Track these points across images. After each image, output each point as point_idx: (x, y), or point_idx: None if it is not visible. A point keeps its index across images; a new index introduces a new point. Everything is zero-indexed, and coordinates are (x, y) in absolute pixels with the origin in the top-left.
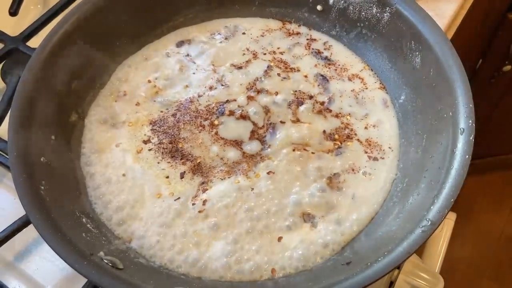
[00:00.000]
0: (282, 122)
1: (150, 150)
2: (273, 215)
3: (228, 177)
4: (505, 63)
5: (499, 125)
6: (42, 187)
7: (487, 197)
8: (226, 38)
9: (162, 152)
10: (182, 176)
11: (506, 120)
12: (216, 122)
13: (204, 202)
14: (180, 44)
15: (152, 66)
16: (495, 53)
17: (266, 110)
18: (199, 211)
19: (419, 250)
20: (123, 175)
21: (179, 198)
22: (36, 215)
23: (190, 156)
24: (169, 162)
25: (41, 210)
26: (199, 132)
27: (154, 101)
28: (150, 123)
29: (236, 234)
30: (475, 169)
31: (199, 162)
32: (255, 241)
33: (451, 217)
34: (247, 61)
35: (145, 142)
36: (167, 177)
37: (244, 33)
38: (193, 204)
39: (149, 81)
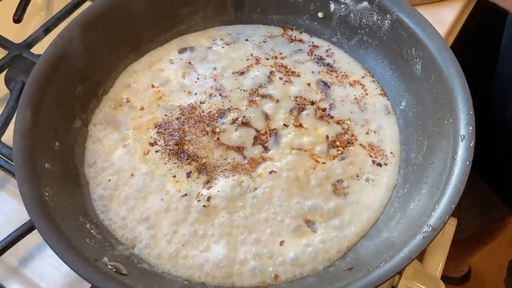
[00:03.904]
0: (284, 128)
1: (157, 151)
2: (275, 218)
3: (232, 176)
4: None
5: None
6: (47, 193)
7: None
8: (228, 45)
9: (169, 153)
10: (188, 175)
11: None
12: (217, 130)
13: (209, 198)
14: (182, 51)
15: (155, 73)
16: None
17: (268, 116)
18: (204, 206)
19: (420, 255)
20: (132, 175)
21: (185, 195)
22: (41, 221)
23: (195, 156)
24: (175, 163)
25: (45, 216)
26: (203, 135)
27: (158, 105)
28: (156, 126)
29: (238, 237)
30: None
31: (204, 162)
32: (257, 245)
33: (452, 223)
34: (249, 66)
35: (151, 144)
36: (174, 176)
37: (247, 40)
38: (198, 201)
39: (153, 86)
